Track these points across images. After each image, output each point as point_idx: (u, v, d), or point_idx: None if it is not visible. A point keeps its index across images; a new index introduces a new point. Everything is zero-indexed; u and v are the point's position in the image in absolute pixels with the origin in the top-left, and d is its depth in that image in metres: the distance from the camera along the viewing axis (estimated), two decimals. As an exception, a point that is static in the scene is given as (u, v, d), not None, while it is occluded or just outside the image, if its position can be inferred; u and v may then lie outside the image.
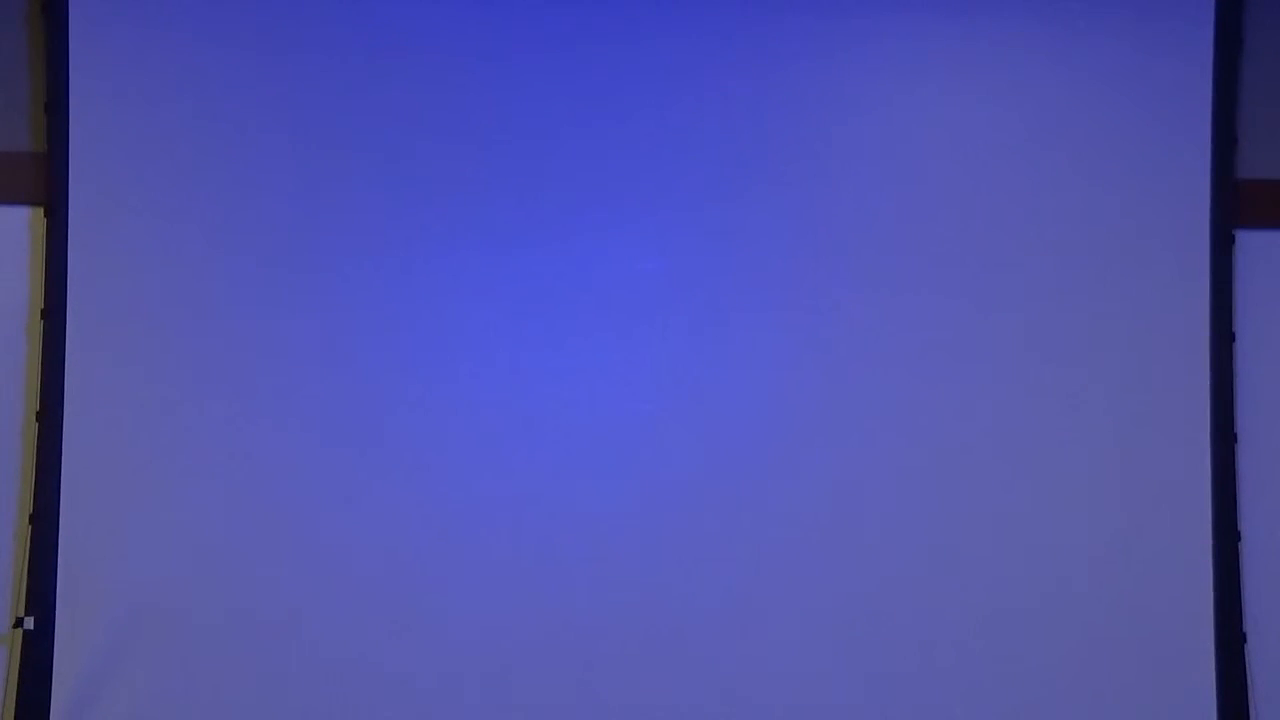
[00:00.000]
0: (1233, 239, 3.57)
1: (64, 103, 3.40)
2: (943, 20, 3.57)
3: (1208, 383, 3.51)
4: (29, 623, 3.29)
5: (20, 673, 3.29)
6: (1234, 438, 3.52)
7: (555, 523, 3.42)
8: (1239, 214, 3.59)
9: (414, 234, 3.47)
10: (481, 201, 3.48)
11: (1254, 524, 3.53)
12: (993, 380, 3.51)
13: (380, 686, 3.36)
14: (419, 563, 3.40)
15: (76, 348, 3.36)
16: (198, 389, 3.39)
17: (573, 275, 3.48)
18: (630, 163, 3.51)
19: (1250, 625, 3.48)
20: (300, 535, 3.38)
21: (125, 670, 3.31)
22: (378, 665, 3.37)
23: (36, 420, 3.36)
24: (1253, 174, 3.63)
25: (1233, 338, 3.54)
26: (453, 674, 3.38)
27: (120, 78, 3.43)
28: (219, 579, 3.36)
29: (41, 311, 3.39)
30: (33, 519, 3.33)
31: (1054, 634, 3.45)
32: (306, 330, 3.43)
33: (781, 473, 3.46)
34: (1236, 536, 3.50)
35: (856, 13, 3.56)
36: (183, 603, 3.34)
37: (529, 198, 3.49)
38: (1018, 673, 3.44)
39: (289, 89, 3.47)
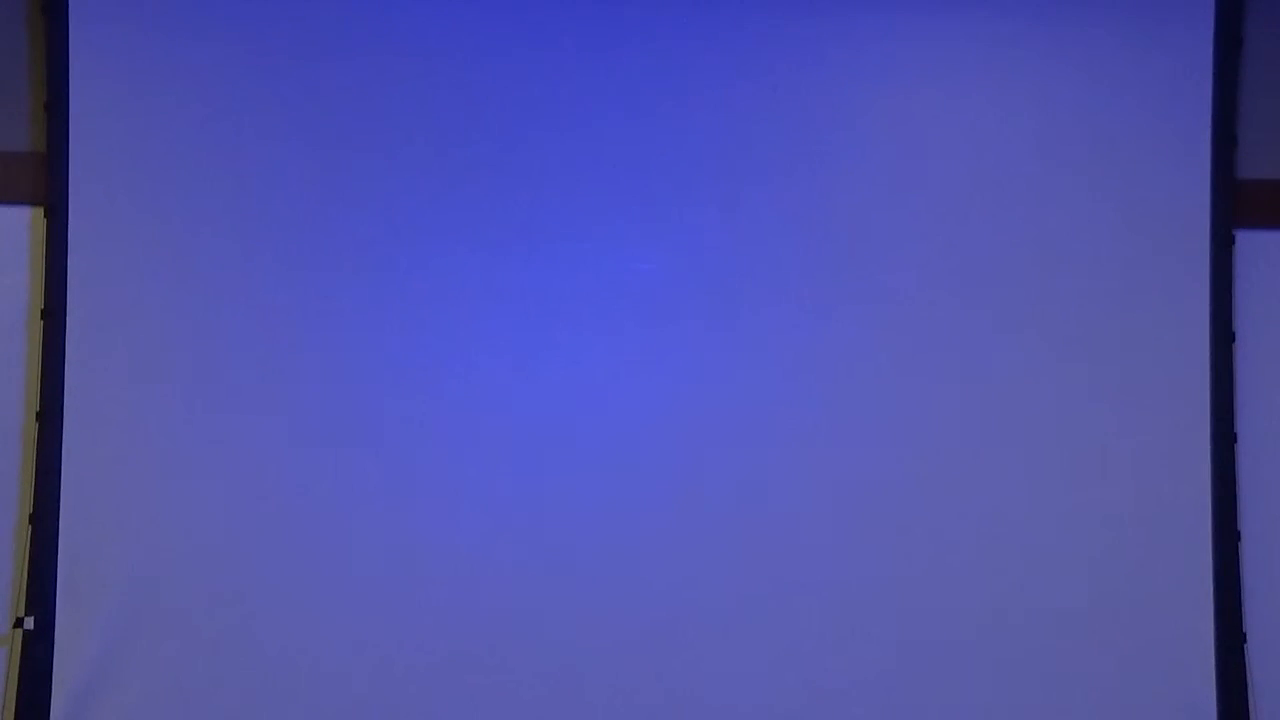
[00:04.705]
0: (1233, 239, 3.57)
1: (64, 103, 3.40)
2: (943, 21, 3.57)
3: (1208, 383, 3.51)
4: (29, 623, 3.29)
5: (20, 673, 3.29)
6: (1234, 438, 3.52)
7: (556, 522, 3.42)
8: (1239, 214, 3.59)
9: (414, 234, 3.47)
10: (481, 202, 3.48)
11: (1254, 524, 3.53)
12: (992, 380, 3.50)
13: (380, 685, 3.36)
14: (419, 561, 3.40)
15: (76, 348, 3.36)
16: (197, 389, 3.39)
17: (573, 276, 3.48)
18: (632, 164, 3.51)
19: (1250, 625, 3.48)
20: (300, 535, 3.38)
21: (125, 670, 3.31)
22: (378, 664, 3.37)
23: (36, 420, 3.36)
24: (1253, 174, 3.63)
25: (1233, 338, 3.54)
26: (454, 672, 3.38)
27: (120, 78, 3.43)
28: (219, 579, 3.36)
29: (41, 311, 3.39)
30: (33, 519, 3.33)
31: (1054, 634, 3.45)
32: (306, 329, 3.43)
33: (783, 473, 3.46)
34: (1236, 536, 3.50)
35: (857, 13, 3.56)
36: (182, 602, 3.34)
37: (530, 198, 3.49)
38: (1018, 672, 3.44)
39: (290, 89, 3.47)
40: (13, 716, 3.27)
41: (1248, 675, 3.46)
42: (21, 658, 3.29)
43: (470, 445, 3.43)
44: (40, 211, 3.43)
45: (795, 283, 3.51)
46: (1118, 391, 3.51)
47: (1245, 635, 3.47)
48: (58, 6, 3.41)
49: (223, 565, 3.36)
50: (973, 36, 3.58)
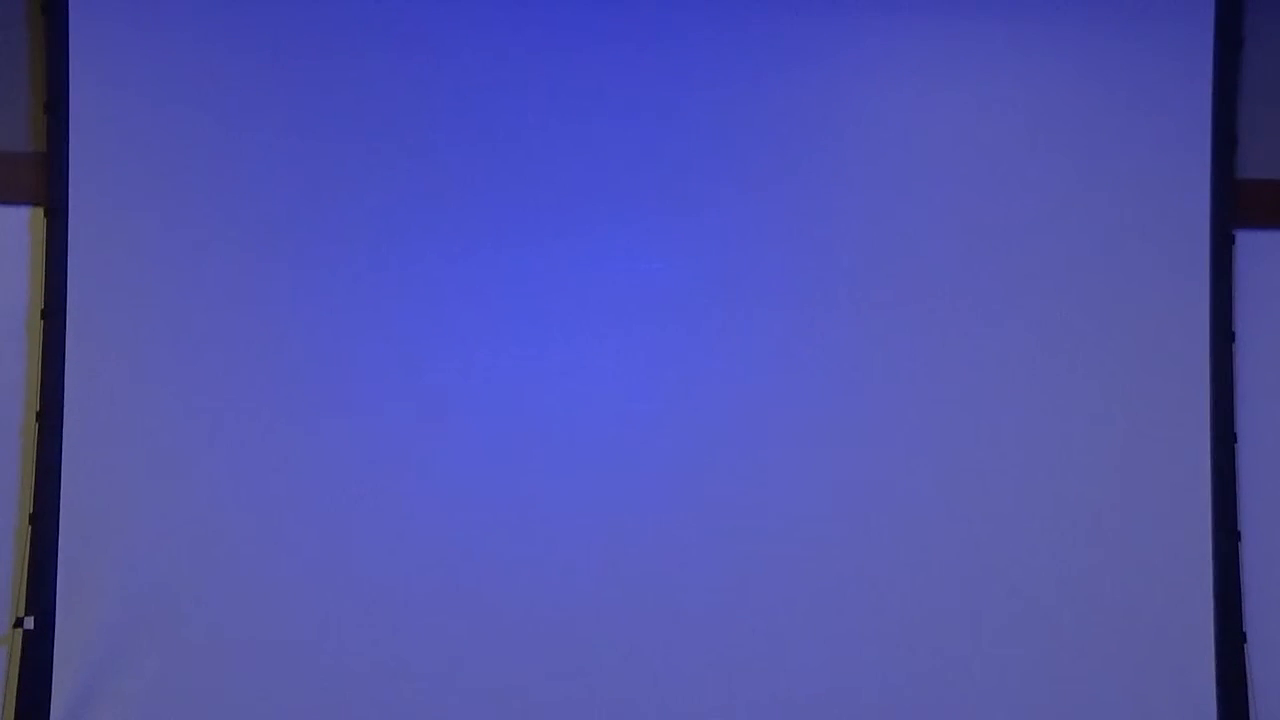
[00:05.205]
0: (1233, 239, 3.57)
1: (64, 103, 3.40)
2: (943, 21, 3.57)
3: (1208, 383, 3.51)
4: (29, 623, 3.29)
5: (20, 673, 3.29)
6: (1234, 438, 3.52)
7: (557, 521, 3.42)
8: (1239, 214, 3.59)
9: (414, 234, 3.47)
10: (482, 202, 3.48)
11: (1254, 524, 3.53)
12: (992, 380, 3.50)
13: (381, 684, 3.36)
14: (419, 561, 3.40)
15: (76, 348, 3.36)
16: (198, 389, 3.39)
17: (574, 275, 3.48)
18: (632, 164, 3.51)
19: (1250, 625, 3.48)
20: (300, 535, 3.38)
21: (125, 670, 3.31)
22: (378, 663, 3.37)
23: (36, 420, 3.36)
24: (1253, 174, 3.63)
25: (1233, 338, 3.54)
26: (454, 671, 3.38)
27: (120, 78, 3.43)
28: (219, 578, 3.36)
29: (41, 311, 3.39)
30: (33, 519, 3.33)
31: (1054, 634, 3.45)
32: (306, 329, 3.43)
33: (785, 472, 3.46)
34: (1236, 536, 3.50)
35: (857, 13, 3.56)
36: (182, 602, 3.34)
37: (530, 198, 3.49)
38: (1018, 672, 3.44)
39: (289, 88, 3.47)
40: (13, 716, 3.27)
41: (1248, 675, 3.46)
42: (21, 658, 3.29)
43: (470, 444, 3.43)
44: (40, 211, 3.43)
45: (796, 282, 3.50)
46: (1118, 391, 3.51)
47: (1245, 635, 3.47)
48: (58, 6, 3.41)
49: (222, 565, 3.36)
50: (972, 36, 3.58)
